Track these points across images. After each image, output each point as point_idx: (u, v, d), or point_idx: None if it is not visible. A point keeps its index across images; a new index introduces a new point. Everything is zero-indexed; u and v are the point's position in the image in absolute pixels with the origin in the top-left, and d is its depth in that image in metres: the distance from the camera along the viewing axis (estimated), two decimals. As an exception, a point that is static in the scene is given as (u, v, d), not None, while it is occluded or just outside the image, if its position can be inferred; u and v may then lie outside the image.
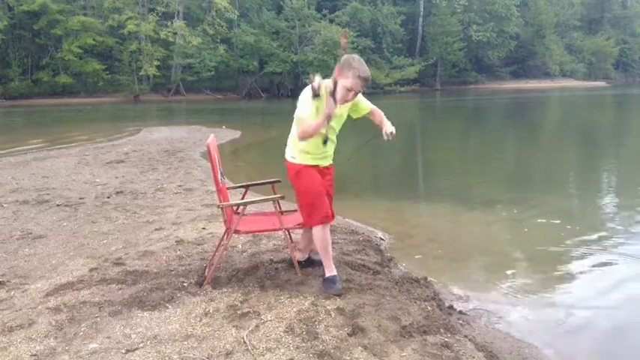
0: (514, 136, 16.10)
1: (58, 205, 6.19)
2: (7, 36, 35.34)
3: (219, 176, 3.49)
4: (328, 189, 3.61)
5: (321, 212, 3.40)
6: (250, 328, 2.86)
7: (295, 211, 3.95)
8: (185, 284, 3.48)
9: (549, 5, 56.97)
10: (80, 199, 6.54)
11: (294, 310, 3.07)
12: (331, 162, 3.68)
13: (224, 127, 17.22)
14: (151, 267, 3.86)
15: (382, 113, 3.60)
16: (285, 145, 3.53)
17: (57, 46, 36.89)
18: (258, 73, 42.57)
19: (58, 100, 34.99)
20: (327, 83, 3.27)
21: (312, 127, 3.22)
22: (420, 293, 3.65)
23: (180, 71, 39.75)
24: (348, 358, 2.60)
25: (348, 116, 3.60)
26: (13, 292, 3.51)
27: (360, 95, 3.42)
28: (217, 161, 3.56)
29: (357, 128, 3.92)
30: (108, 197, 6.64)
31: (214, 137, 3.66)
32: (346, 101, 3.31)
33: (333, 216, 3.59)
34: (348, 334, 2.81)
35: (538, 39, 55.00)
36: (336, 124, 3.48)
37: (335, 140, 3.58)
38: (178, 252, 4.23)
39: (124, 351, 2.66)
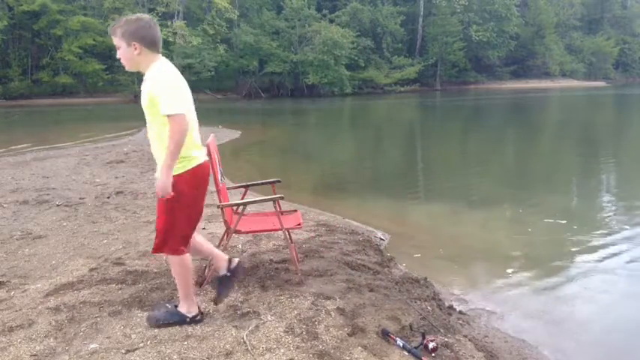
0: (514, 136, 16.10)
1: (58, 205, 6.19)
2: (7, 36, 35.33)
3: (219, 176, 3.49)
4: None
5: None
6: (250, 328, 2.86)
7: (295, 211, 3.95)
8: (185, 284, 3.47)
9: (549, 5, 56.94)
10: (80, 199, 6.54)
11: (294, 310, 3.07)
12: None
13: (220, 126, 17.25)
14: (151, 267, 3.86)
15: (171, 149, 2.60)
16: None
17: (57, 46, 36.86)
18: (258, 73, 42.57)
19: (58, 100, 34.98)
20: None
21: None
22: (420, 293, 3.65)
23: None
24: (348, 358, 2.60)
25: None
26: (13, 292, 3.51)
27: (151, 87, 2.67)
28: (217, 161, 3.56)
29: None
30: (108, 197, 6.63)
31: (214, 137, 3.66)
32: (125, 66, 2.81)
33: (158, 249, 2.87)
34: (348, 334, 2.81)
35: (538, 39, 54.99)
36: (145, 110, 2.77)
37: (157, 141, 2.75)
38: (178, 252, 4.23)
39: (124, 351, 2.66)
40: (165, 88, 2.65)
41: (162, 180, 2.64)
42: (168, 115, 2.61)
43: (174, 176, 2.68)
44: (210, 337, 2.78)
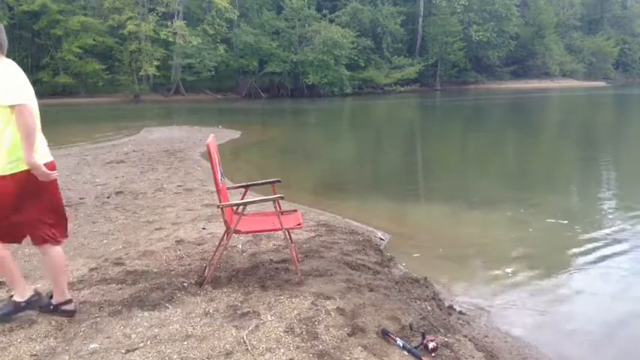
0: (514, 136, 16.11)
1: (58, 205, 6.18)
2: (7, 36, 35.28)
3: (219, 176, 3.49)
4: None
5: None
6: (250, 328, 2.86)
7: (295, 211, 3.95)
8: (185, 284, 3.48)
9: (549, 5, 56.93)
10: (80, 199, 6.53)
11: (294, 310, 3.07)
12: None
13: (220, 126, 17.28)
14: (151, 267, 3.86)
15: (24, 137, 2.66)
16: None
17: (57, 46, 36.83)
18: (258, 73, 42.57)
19: (58, 100, 34.91)
20: None
21: None
22: (420, 293, 3.65)
23: (180, 71, 39.72)
24: (348, 358, 2.60)
25: None
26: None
27: None
28: (217, 161, 3.56)
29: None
30: (108, 197, 6.63)
31: (214, 137, 3.66)
32: None
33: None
34: (348, 334, 2.81)
35: (538, 39, 54.98)
36: None
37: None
38: (178, 252, 4.23)
39: (123, 351, 2.66)
40: (7, 81, 2.70)
41: (36, 170, 2.70)
42: (12, 106, 2.65)
43: (3, 176, 2.74)
44: (210, 337, 2.78)
